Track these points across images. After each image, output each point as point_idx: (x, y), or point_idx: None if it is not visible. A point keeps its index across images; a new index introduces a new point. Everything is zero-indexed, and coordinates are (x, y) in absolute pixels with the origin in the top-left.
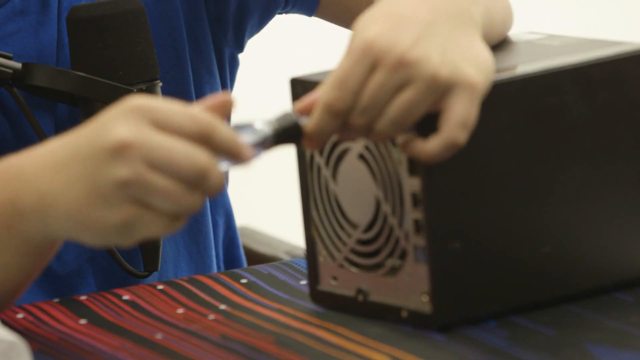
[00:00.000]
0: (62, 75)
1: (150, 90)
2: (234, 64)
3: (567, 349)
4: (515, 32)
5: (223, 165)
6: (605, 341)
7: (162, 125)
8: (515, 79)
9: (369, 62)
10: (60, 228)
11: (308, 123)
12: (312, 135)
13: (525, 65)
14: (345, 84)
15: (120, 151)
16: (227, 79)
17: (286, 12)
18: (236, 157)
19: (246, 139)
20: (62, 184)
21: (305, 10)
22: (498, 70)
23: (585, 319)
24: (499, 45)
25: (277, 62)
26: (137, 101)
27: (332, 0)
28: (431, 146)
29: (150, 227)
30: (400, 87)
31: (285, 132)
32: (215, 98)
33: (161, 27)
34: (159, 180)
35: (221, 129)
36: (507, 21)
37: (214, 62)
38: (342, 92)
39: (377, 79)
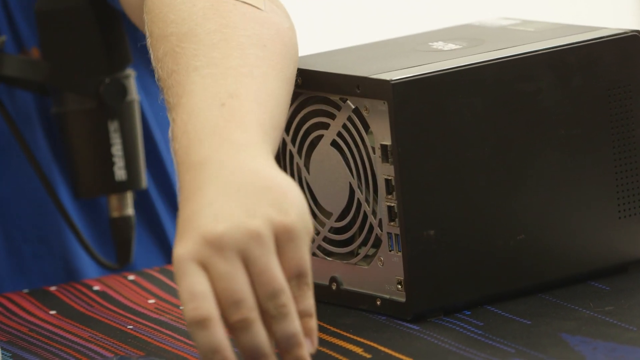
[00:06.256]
0: (33, 66)
1: (122, 81)
2: None
3: (542, 338)
4: (489, 18)
5: None
6: (580, 330)
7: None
8: (490, 64)
9: (197, 264)
10: None
11: None
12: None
13: (499, 50)
14: (194, 292)
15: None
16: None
17: None
18: None
19: None
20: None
21: None
22: (472, 56)
23: (561, 308)
24: (473, 31)
25: None
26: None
27: None
28: None
29: None
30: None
31: None
32: None
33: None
34: None
35: None
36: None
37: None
38: (197, 300)
39: (218, 268)
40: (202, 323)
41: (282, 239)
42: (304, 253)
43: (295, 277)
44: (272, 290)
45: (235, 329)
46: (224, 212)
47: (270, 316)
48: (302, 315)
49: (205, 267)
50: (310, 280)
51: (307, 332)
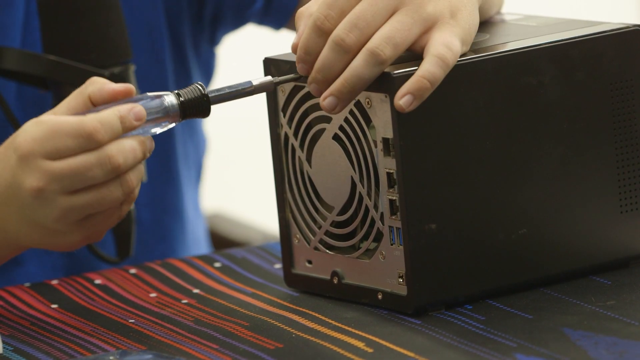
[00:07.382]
0: (33, 59)
1: (123, 74)
2: (211, 57)
3: (543, 332)
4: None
5: (147, 132)
6: (581, 325)
7: (55, 155)
8: (492, 58)
9: None
10: (31, 246)
11: (295, 40)
12: (302, 54)
13: (502, 44)
14: (336, 2)
15: (40, 196)
16: (204, 74)
17: (259, 23)
18: (129, 129)
19: (150, 109)
20: (14, 223)
21: (275, 23)
22: (475, 50)
23: (562, 303)
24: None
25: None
26: (23, 147)
27: None
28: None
29: (107, 223)
30: (390, 11)
31: (192, 104)
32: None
33: (142, 30)
34: (86, 198)
35: (103, 124)
36: (499, 3)
37: (192, 59)
38: (331, 10)
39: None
40: (320, 30)
41: None
42: None
43: None
44: None
45: None
46: None
47: None
48: None
49: None
50: None
51: None
